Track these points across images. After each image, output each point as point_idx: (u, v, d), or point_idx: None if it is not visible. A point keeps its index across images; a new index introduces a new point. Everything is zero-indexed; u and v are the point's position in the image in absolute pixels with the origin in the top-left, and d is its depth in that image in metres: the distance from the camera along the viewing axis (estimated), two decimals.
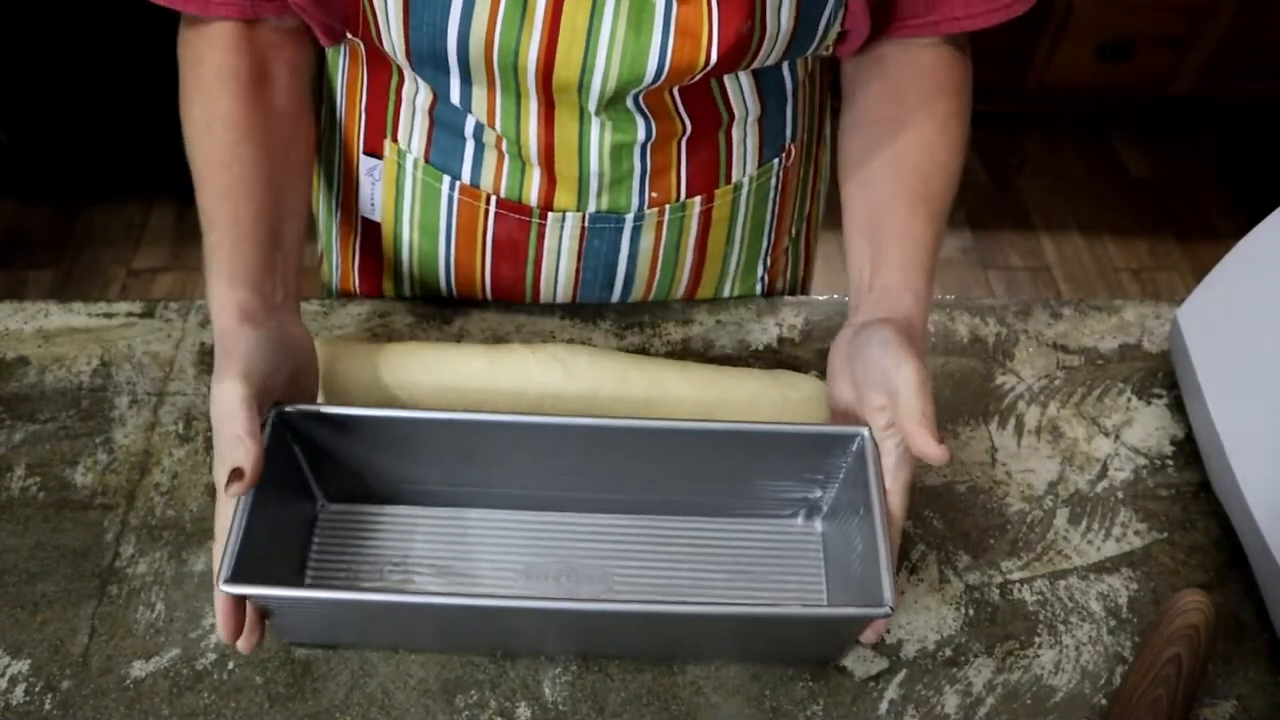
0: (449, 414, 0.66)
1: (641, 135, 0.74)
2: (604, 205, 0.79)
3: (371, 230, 0.87)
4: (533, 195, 0.79)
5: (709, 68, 0.68)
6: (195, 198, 0.70)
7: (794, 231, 0.94)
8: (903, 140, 0.74)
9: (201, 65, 0.71)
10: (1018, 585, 0.72)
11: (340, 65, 0.81)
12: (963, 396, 0.84)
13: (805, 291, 1.01)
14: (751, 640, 0.67)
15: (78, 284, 2.07)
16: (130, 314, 0.86)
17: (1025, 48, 2.23)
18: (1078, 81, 2.27)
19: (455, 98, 0.74)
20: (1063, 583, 0.73)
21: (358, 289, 0.92)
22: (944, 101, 0.76)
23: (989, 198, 2.37)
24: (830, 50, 0.75)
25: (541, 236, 0.81)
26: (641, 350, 0.85)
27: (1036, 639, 0.70)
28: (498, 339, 0.85)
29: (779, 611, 0.65)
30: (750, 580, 0.70)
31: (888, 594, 0.59)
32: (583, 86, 0.69)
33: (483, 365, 0.76)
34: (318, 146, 0.86)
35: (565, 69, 0.68)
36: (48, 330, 0.84)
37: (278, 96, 0.73)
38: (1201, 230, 2.33)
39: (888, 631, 0.70)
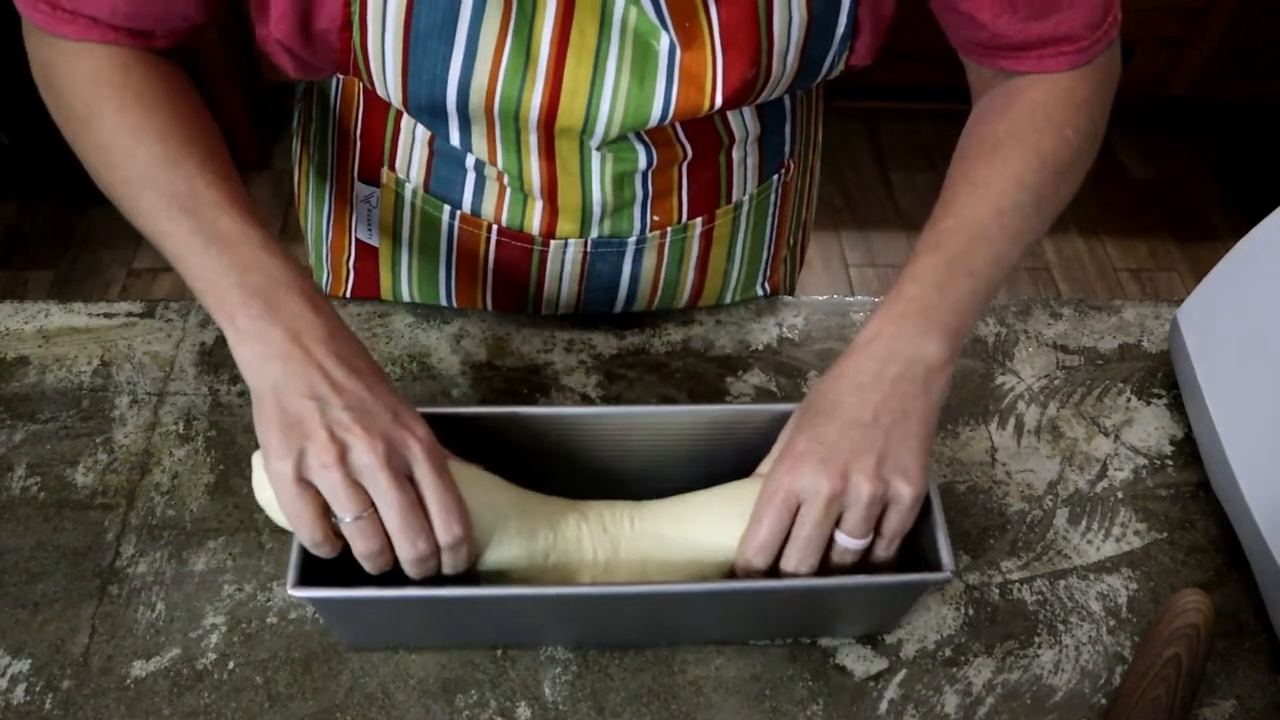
0: (500, 409, 0.66)
1: (643, 163, 0.74)
2: (606, 230, 0.79)
3: (368, 251, 0.86)
4: (535, 224, 0.78)
5: (713, 110, 0.67)
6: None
7: (792, 241, 0.95)
8: (988, 173, 0.67)
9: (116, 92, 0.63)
10: (1017, 585, 0.72)
11: (334, 91, 0.79)
12: (963, 396, 0.84)
13: (794, 287, 1.01)
14: (814, 614, 0.67)
15: (78, 284, 2.07)
16: (130, 314, 0.86)
17: None
18: None
19: (455, 139, 0.73)
20: (1062, 582, 0.73)
21: (350, 296, 0.91)
22: (1034, 138, 0.68)
23: None
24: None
25: (544, 262, 0.81)
26: (641, 350, 0.85)
27: (1036, 639, 0.70)
28: (498, 340, 0.85)
29: (848, 582, 0.62)
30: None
31: (945, 558, 0.60)
32: (586, 131, 0.68)
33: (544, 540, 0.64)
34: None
35: (568, 117, 0.67)
36: (48, 330, 0.84)
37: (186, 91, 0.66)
38: (1201, 230, 2.33)
39: (887, 631, 0.70)
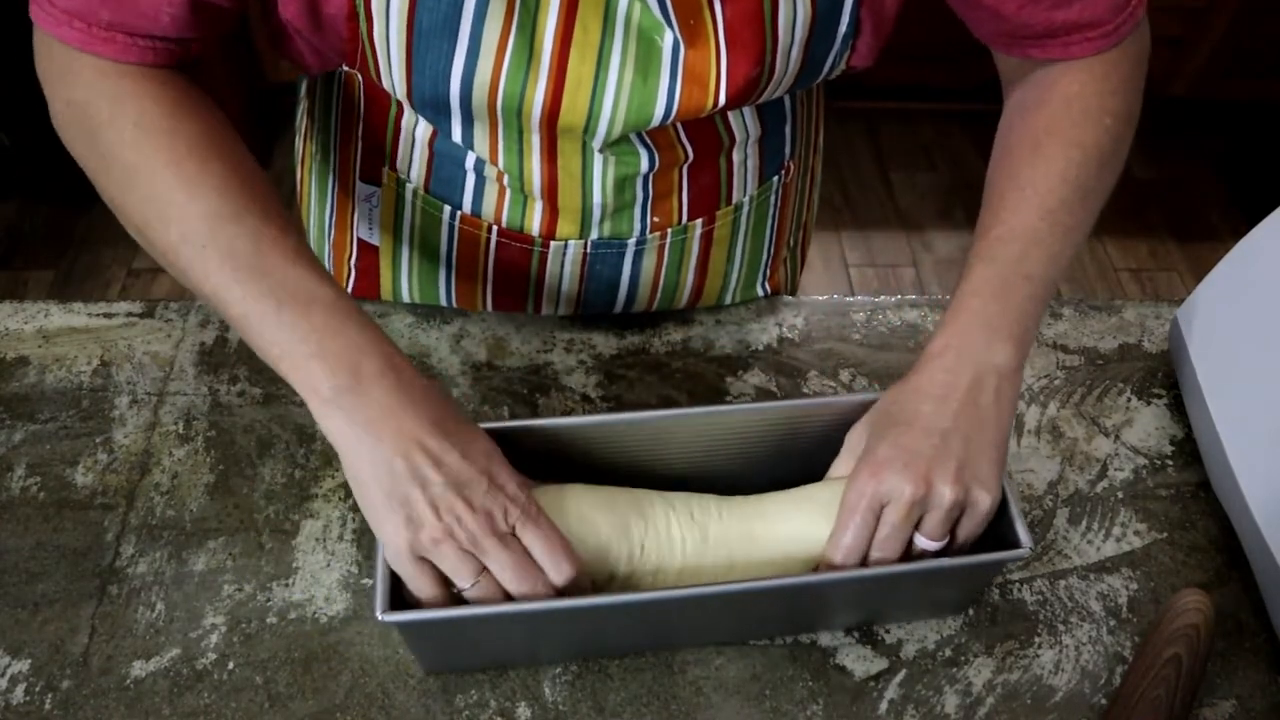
0: (563, 421, 0.66)
1: (644, 166, 0.74)
2: (606, 232, 0.79)
3: (368, 250, 0.86)
4: (534, 226, 0.78)
5: (716, 109, 0.67)
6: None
7: (792, 242, 0.94)
8: (1035, 172, 0.68)
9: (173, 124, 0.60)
10: (1018, 585, 0.72)
11: (336, 89, 0.78)
12: None
13: (795, 288, 1.01)
14: (894, 599, 0.68)
15: (78, 284, 2.07)
16: (130, 314, 0.86)
17: None
18: None
19: (456, 136, 0.72)
20: (1063, 583, 0.73)
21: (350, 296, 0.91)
22: (1074, 132, 0.68)
23: None
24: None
25: (544, 262, 0.81)
26: (641, 350, 0.85)
27: (1036, 639, 0.70)
28: (498, 340, 0.85)
29: (933, 565, 0.63)
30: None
31: (1023, 535, 0.61)
32: (588, 130, 0.68)
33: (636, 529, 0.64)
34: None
35: (571, 114, 0.67)
36: (48, 330, 0.84)
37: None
38: (1201, 230, 2.33)
39: (887, 631, 0.70)
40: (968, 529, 0.62)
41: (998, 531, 0.64)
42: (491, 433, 0.61)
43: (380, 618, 0.57)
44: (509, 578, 0.57)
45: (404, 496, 0.55)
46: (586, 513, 0.62)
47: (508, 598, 0.58)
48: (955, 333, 0.64)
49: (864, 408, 0.67)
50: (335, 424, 0.56)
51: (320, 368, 0.56)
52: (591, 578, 0.62)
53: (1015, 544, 0.62)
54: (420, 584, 0.57)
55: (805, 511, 0.65)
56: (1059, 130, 0.68)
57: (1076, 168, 0.67)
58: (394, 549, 0.56)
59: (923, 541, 0.62)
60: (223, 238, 0.57)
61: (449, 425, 0.57)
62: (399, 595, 0.59)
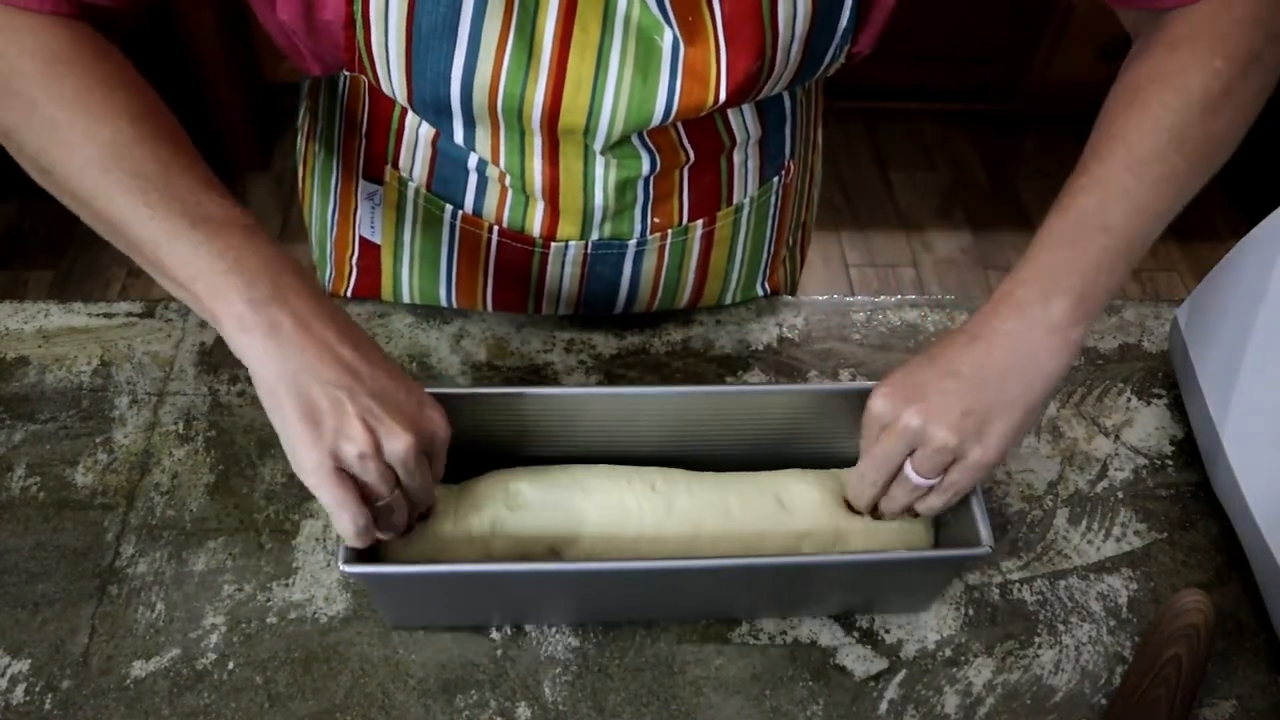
0: (538, 390, 0.68)
1: (646, 169, 0.74)
2: (607, 233, 0.79)
3: (370, 248, 0.86)
4: (535, 226, 0.78)
5: (717, 106, 0.67)
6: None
7: (791, 241, 0.94)
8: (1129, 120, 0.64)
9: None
10: (1018, 585, 0.72)
11: (340, 89, 0.78)
12: None
13: (795, 287, 1.01)
14: (857, 588, 0.68)
15: (78, 284, 2.07)
16: (130, 314, 0.86)
17: (1025, 48, 2.23)
18: (1078, 81, 2.26)
19: (459, 138, 0.73)
20: (1063, 583, 0.73)
21: (351, 295, 0.91)
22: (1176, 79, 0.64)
23: (989, 198, 2.37)
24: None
25: (544, 263, 0.81)
26: (641, 350, 0.85)
27: (1036, 639, 0.70)
28: (498, 340, 0.85)
29: (888, 557, 0.65)
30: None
31: (984, 534, 0.62)
32: (589, 130, 0.68)
33: (579, 499, 0.66)
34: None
35: (571, 114, 0.67)
36: (48, 330, 0.84)
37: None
38: (1201, 230, 2.33)
39: (887, 631, 0.70)
40: (953, 477, 0.61)
41: (961, 529, 0.65)
42: (443, 398, 0.60)
43: (342, 568, 0.58)
44: (415, 497, 0.59)
45: (327, 405, 0.53)
46: (523, 490, 0.65)
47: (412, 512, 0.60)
48: (1015, 282, 0.61)
49: (832, 398, 0.68)
50: (253, 340, 0.53)
51: (238, 281, 0.53)
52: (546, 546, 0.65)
53: (977, 541, 0.63)
54: (343, 499, 0.54)
55: (809, 495, 0.67)
56: (1160, 77, 0.64)
57: (1173, 114, 0.62)
58: (314, 462, 0.53)
59: (908, 470, 0.62)
60: (130, 162, 0.55)
61: (370, 351, 0.56)
62: (372, 549, 0.61)
